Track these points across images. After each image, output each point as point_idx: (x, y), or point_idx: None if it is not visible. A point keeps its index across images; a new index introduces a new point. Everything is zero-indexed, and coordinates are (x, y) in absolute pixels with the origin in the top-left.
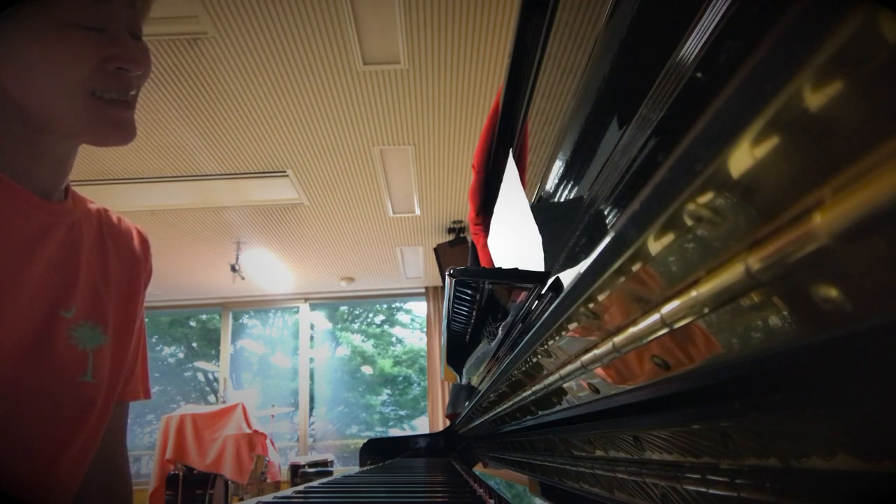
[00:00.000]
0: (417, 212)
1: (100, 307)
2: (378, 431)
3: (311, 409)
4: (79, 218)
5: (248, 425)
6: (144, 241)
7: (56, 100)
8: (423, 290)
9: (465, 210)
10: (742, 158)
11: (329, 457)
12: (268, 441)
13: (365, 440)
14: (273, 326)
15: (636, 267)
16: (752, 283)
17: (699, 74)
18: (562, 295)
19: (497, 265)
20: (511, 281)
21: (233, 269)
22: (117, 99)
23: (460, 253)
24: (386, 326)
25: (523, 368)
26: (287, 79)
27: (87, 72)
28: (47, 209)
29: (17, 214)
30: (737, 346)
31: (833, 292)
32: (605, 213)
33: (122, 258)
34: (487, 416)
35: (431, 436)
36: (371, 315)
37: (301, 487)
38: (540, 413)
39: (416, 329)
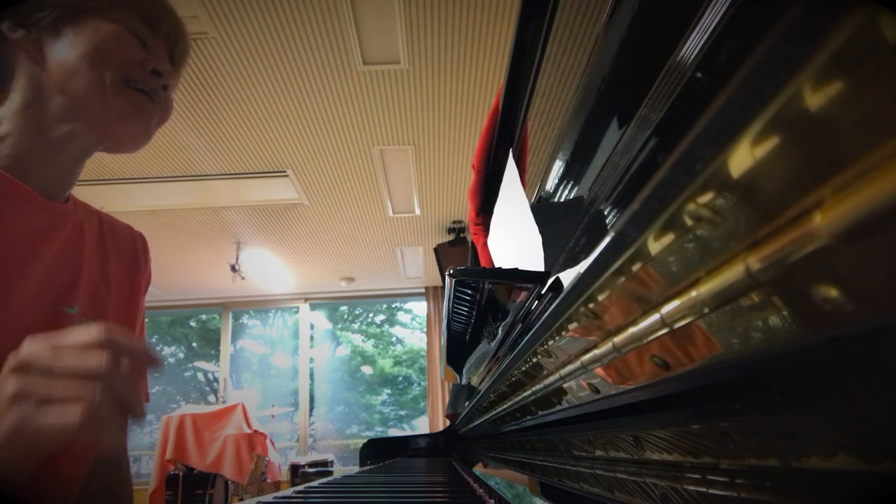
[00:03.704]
0: (417, 212)
1: (100, 306)
2: (378, 431)
3: (311, 409)
4: (81, 219)
5: (248, 425)
6: (144, 245)
7: (90, 79)
8: (423, 290)
9: (465, 210)
10: (742, 158)
11: (329, 457)
12: (268, 441)
13: (365, 440)
14: (273, 326)
15: (636, 267)
16: (752, 283)
17: (699, 74)
18: (562, 295)
19: (497, 265)
20: (511, 281)
21: (233, 269)
22: (145, 90)
23: (460, 253)
24: (386, 326)
25: (523, 368)
26: (287, 79)
27: (126, 63)
28: (51, 209)
29: (22, 213)
30: (737, 346)
31: (833, 292)
32: (605, 213)
33: (122, 261)
34: (487, 416)
35: (431, 436)
36: (371, 315)
37: (301, 487)
38: (540, 413)
39: (416, 329)
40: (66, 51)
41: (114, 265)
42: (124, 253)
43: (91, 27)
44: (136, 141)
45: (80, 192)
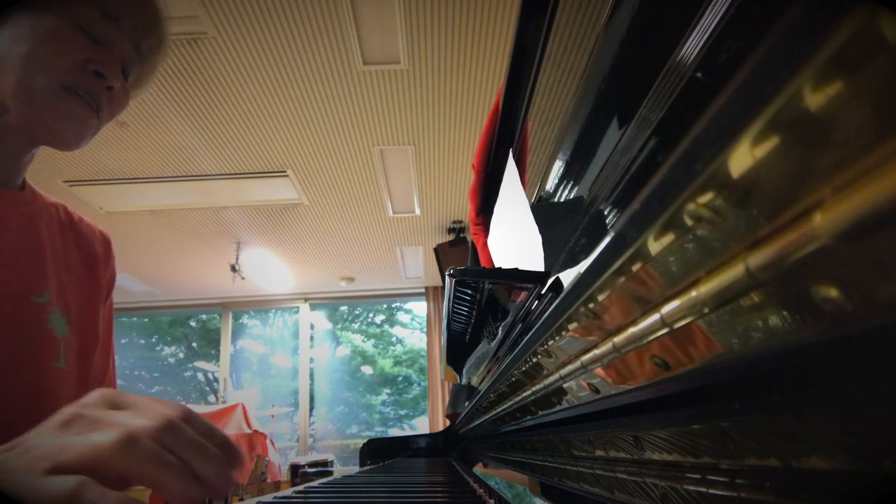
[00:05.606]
0: (417, 212)
1: (63, 298)
2: (378, 431)
3: (311, 409)
4: (38, 209)
5: (248, 425)
6: (107, 242)
7: (18, 82)
8: (423, 290)
9: (465, 210)
10: (742, 158)
11: (329, 457)
12: (268, 441)
13: (365, 440)
14: (273, 326)
15: (636, 267)
16: (752, 283)
17: (699, 74)
18: (562, 295)
19: (497, 265)
20: (511, 281)
21: (233, 269)
22: (82, 96)
23: (460, 253)
24: (386, 326)
25: (523, 368)
26: (287, 79)
27: (66, 65)
28: (1, 196)
29: None
30: (737, 346)
31: (833, 292)
32: (605, 213)
33: (83, 254)
34: (487, 416)
35: (431, 436)
36: (371, 315)
37: (301, 487)
38: (540, 413)
39: (416, 329)
40: (4, 44)
41: (74, 257)
42: (85, 247)
43: (34, 22)
44: (68, 145)
45: (81, 192)
